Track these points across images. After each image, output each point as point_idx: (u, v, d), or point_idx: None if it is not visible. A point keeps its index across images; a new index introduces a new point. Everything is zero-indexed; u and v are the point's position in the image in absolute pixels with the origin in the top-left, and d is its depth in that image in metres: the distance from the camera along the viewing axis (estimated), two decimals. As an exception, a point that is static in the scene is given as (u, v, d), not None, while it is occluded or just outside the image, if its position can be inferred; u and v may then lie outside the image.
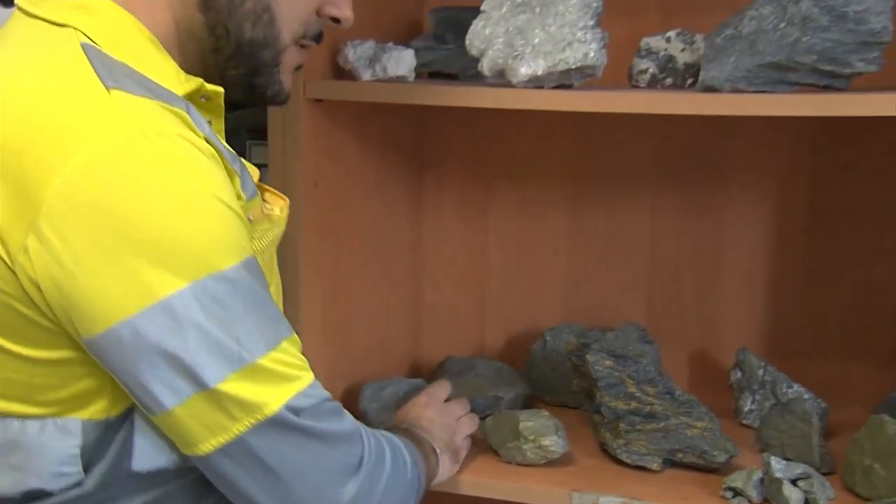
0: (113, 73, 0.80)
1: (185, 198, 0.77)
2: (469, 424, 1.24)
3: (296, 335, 0.86)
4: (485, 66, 1.20)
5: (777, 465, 1.15)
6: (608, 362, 1.29)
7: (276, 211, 0.92)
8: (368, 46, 1.25)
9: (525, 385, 1.44)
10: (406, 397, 1.29)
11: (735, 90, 1.12)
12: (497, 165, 1.54)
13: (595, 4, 1.17)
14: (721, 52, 1.15)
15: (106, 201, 0.74)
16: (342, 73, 1.27)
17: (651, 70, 1.27)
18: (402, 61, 1.25)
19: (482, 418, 1.34)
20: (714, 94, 1.12)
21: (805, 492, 1.14)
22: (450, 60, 1.38)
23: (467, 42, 1.22)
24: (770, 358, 1.40)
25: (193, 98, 0.88)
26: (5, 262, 0.76)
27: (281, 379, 0.81)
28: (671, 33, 1.26)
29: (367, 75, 1.24)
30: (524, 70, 1.16)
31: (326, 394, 0.87)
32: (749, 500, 1.15)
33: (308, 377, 0.84)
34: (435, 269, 1.58)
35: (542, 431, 1.24)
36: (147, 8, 0.88)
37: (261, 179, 0.96)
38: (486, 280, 1.57)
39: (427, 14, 1.43)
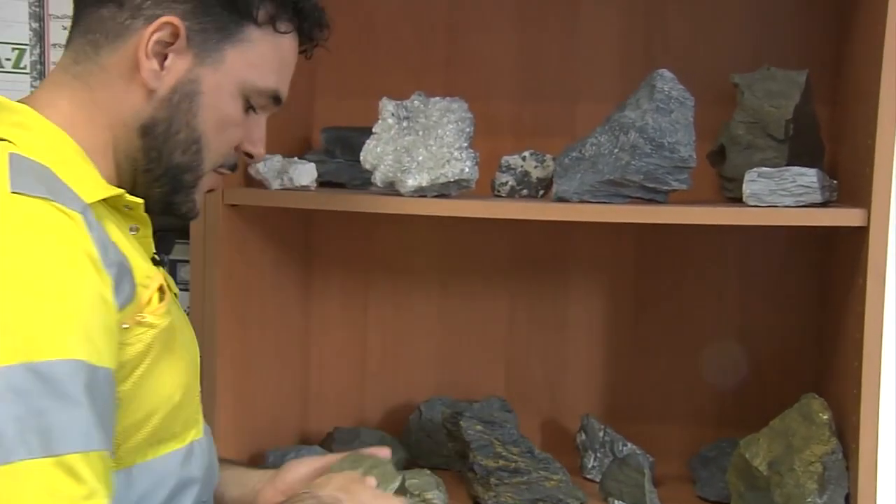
0: (24, 179, 0.85)
1: (34, 285, 0.80)
2: None
3: (108, 456, 0.82)
4: (377, 178, 1.36)
5: (620, 508, 1.34)
6: (479, 427, 1.46)
7: (150, 319, 0.92)
8: (276, 160, 1.40)
9: (403, 450, 1.58)
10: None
11: (582, 201, 1.32)
12: (375, 261, 1.69)
13: (468, 129, 1.36)
14: (569, 169, 1.36)
15: None
16: (252, 181, 1.41)
17: (510, 183, 1.47)
18: (305, 173, 1.39)
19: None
20: (566, 204, 1.32)
21: (643, 529, 1.33)
22: (339, 172, 1.52)
23: (361, 158, 1.37)
24: (608, 421, 1.58)
25: (117, 205, 0.96)
26: None
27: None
28: (526, 153, 1.46)
29: (276, 185, 1.38)
30: (411, 182, 1.33)
31: None
32: (599, 538, 1.33)
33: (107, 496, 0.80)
34: (321, 350, 1.70)
35: (426, 487, 1.39)
36: (86, 127, 0.96)
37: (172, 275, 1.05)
38: (366, 359, 1.70)
39: (319, 132, 1.58)
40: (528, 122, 1.63)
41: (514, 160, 1.46)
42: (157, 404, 0.94)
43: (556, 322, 1.66)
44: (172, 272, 1.44)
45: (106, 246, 0.88)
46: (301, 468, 1.17)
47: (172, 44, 0.96)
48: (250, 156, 1.08)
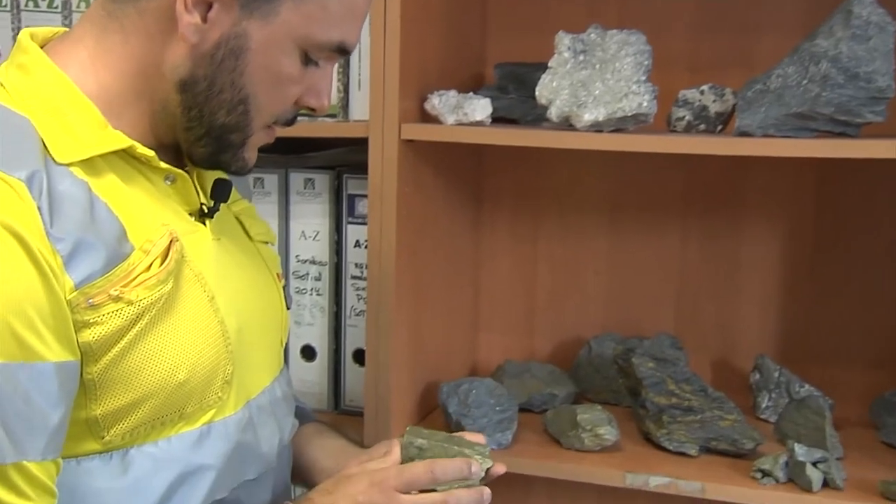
0: None
1: None
2: None
3: (38, 465, 0.77)
4: (553, 113, 1.31)
5: (800, 450, 1.25)
6: (650, 364, 1.40)
7: (132, 294, 0.82)
8: (452, 95, 1.36)
9: (573, 385, 1.54)
10: (477, 396, 1.39)
11: (766, 135, 1.23)
12: (546, 196, 1.64)
13: (646, 63, 1.29)
14: (752, 103, 1.26)
15: None
16: (427, 117, 1.38)
17: (687, 117, 1.38)
18: (480, 108, 1.35)
19: (541, 412, 1.45)
20: (748, 138, 1.24)
21: (824, 473, 1.24)
22: (512, 108, 1.48)
23: (537, 93, 1.32)
24: (782, 362, 1.50)
25: (137, 156, 0.87)
26: None
27: None
28: (704, 87, 1.37)
29: (451, 120, 1.35)
30: (587, 116, 1.27)
31: None
32: (776, 480, 1.25)
33: None
34: (491, 284, 1.68)
35: (598, 422, 1.34)
36: (109, 73, 0.87)
37: (214, 200, 0.94)
38: (536, 294, 1.67)
39: (493, 68, 1.53)
40: (704, 55, 1.53)
41: (691, 94, 1.38)
42: (150, 387, 0.84)
43: (730, 260, 1.58)
44: (350, 207, 1.43)
45: (70, 214, 0.79)
46: (390, 446, 1.06)
47: None
48: (313, 109, 0.95)
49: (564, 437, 1.36)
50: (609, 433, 1.34)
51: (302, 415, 1.17)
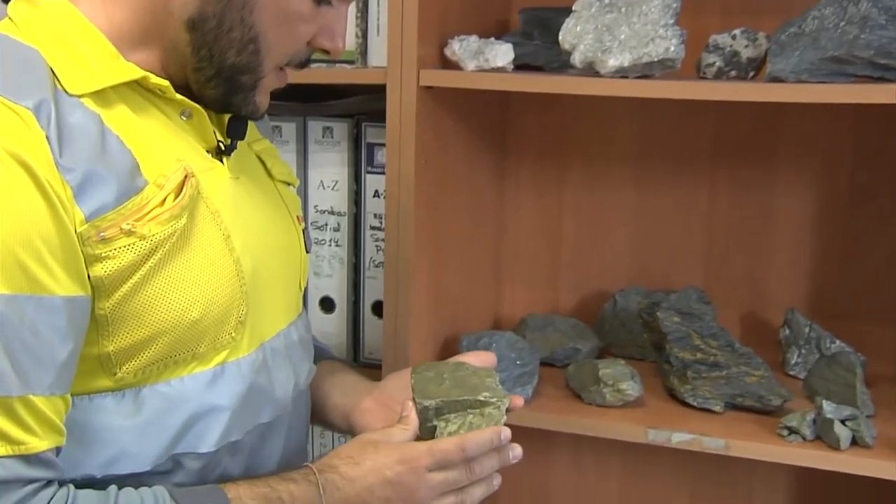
0: None
1: None
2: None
3: (45, 400, 0.75)
4: (576, 59, 1.25)
5: (828, 408, 1.21)
6: (676, 319, 1.36)
7: (144, 229, 0.80)
8: (473, 41, 1.31)
9: (597, 339, 1.50)
10: (497, 350, 1.35)
11: (799, 80, 1.17)
12: (571, 146, 1.59)
13: (675, 5, 1.23)
14: (786, 47, 1.20)
15: None
16: (447, 63, 1.33)
17: (717, 63, 1.32)
18: (502, 54, 1.30)
19: (563, 366, 1.41)
20: (781, 84, 1.18)
21: (853, 430, 1.20)
22: (536, 54, 1.43)
23: (560, 38, 1.27)
24: (814, 317, 1.45)
25: (151, 89, 0.85)
26: None
27: None
28: (736, 31, 1.30)
29: (471, 66, 1.30)
30: (612, 62, 1.22)
31: (27, 477, 0.74)
32: (803, 438, 1.21)
33: (11, 450, 0.73)
34: (515, 236, 1.64)
35: (620, 377, 1.31)
36: (119, 8, 0.85)
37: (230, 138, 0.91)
38: (560, 246, 1.62)
39: (517, 13, 1.48)
40: (736, -2, 1.46)
41: (722, 39, 1.31)
42: (162, 324, 0.82)
43: (761, 212, 1.52)
44: (370, 156, 1.39)
45: (80, 145, 0.77)
46: (402, 378, 1.05)
47: None
48: (326, 52, 0.92)
49: (586, 391, 1.33)
50: (631, 388, 1.30)
51: (319, 353, 1.14)
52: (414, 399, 0.96)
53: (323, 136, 1.41)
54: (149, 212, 0.81)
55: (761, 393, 1.29)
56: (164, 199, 0.82)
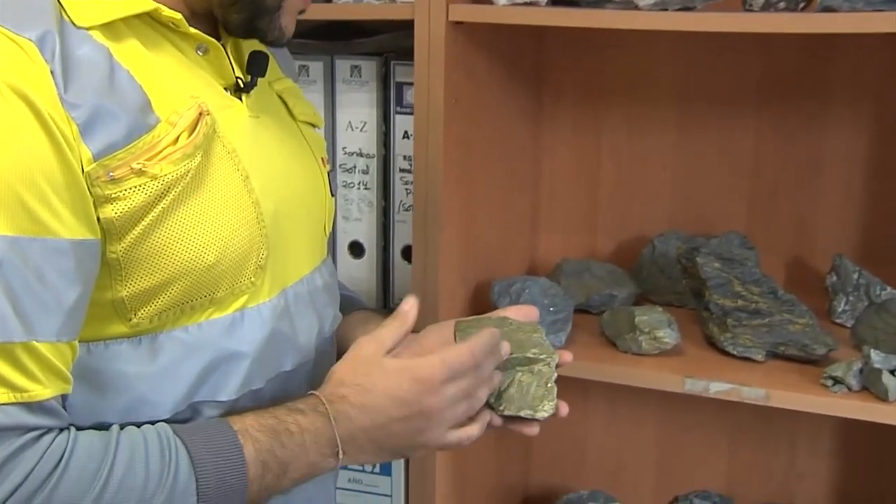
0: None
1: None
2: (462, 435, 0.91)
3: (50, 346, 0.72)
4: (614, -9, 1.19)
5: (876, 357, 1.15)
6: (716, 264, 1.30)
7: (155, 169, 0.76)
8: (505, -27, 1.25)
9: (634, 285, 1.45)
10: (530, 296, 1.31)
11: (853, 9, 1.10)
12: (610, 84, 1.52)
13: (719, -69, 1.16)
14: (838, -25, 1.13)
15: None
16: (478, -3, 1.27)
17: (765, -6, 1.25)
18: (535, -14, 1.24)
19: (599, 314, 1.37)
20: (834, 14, 1.10)
21: (902, 381, 1.15)
22: (572, -13, 1.37)
23: (596, -32, 1.21)
24: (863, 263, 1.38)
25: (166, 23, 0.82)
26: None
27: None
28: (785, -41, 1.24)
29: (503, 0, 1.24)
30: (651, -7, 1.16)
31: (29, 425, 0.71)
32: (848, 388, 1.16)
33: (12, 397, 0.70)
34: (551, 178, 1.58)
35: (657, 325, 1.26)
36: None
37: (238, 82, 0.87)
38: (598, 189, 1.57)
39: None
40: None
41: (770, -33, 1.24)
42: (177, 268, 0.78)
43: (810, 154, 1.44)
44: (399, 96, 1.34)
45: (87, 79, 0.73)
46: (444, 332, 0.97)
47: None
48: None
49: (621, 339, 1.28)
50: (668, 336, 1.25)
51: (349, 303, 1.10)
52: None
53: (351, 76, 1.36)
54: (161, 150, 0.77)
55: (805, 341, 1.23)
56: (178, 137, 0.78)
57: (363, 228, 1.41)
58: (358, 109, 1.37)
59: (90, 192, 0.74)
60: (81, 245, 0.74)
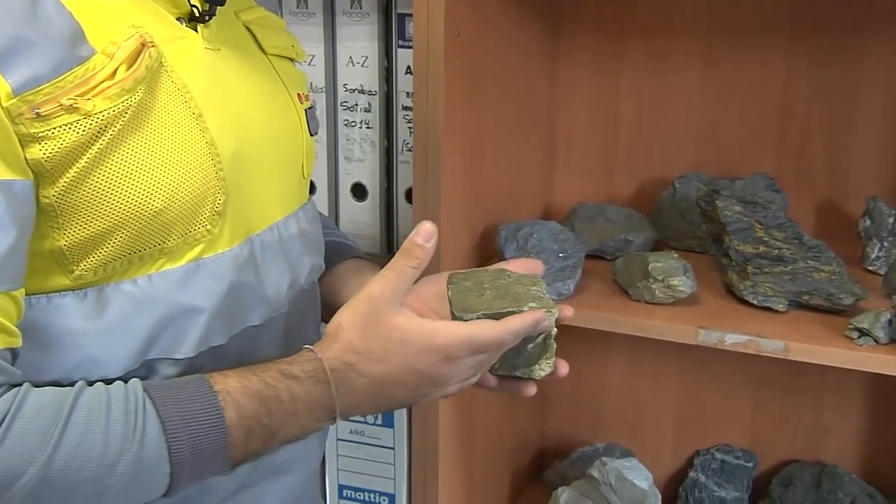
0: None
1: None
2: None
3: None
4: None
5: (907, 308, 1.08)
6: (737, 208, 1.22)
7: (88, 105, 0.70)
8: None
9: (653, 230, 1.37)
10: (538, 240, 1.23)
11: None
12: (631, 17, 1.43)
13: None
14: None
15: None
16: (484, -79, 1.19)
17: (795, -87, 1.15)
18: None
19: (614, 260, 1.29)
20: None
21: (935, 334, 1.06)
22: None
23: None
24: (899, 207, 1.29)
25: None
26: None
27: None
28: None
29: (508, -78, 1.16)
30: (667, -88, 1.06)
31: None
32: (875, 340, 1.07)
33: None
34: (568, 118, 1.50)
35: (671, 272, 1.18)
36: None
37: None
38: (618, 129, 1.48)
39: None
40: None
41: None
42: (120, 214, 0.73)
43: (844, 91, 1.34)
44: (401, 28, 1.27)
45: (3, 6, 0.67)
46: (439, 283, 0.91)
47: None
48: None
49: (633, 287, 1.21)
50: (683, 284, 1.17)
51: (340, 250, 1.04)
52: (452, 312, 0.85)
53: (351, 7, 1.29)
54: (96, 85, 0.70)
55: (831, 290, 1.15)
56: (115, 70, 0.71)
57: (366, 169, 1.34)
58: (359, 43, 1.30)
59: (14, 130, 0.68)
60: (10, 187, 0.68)
